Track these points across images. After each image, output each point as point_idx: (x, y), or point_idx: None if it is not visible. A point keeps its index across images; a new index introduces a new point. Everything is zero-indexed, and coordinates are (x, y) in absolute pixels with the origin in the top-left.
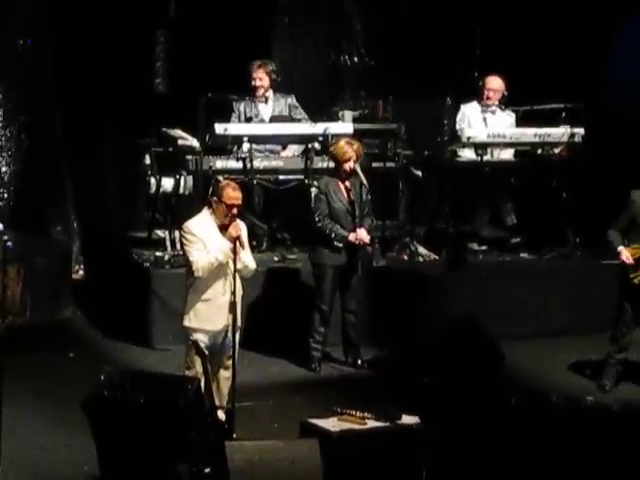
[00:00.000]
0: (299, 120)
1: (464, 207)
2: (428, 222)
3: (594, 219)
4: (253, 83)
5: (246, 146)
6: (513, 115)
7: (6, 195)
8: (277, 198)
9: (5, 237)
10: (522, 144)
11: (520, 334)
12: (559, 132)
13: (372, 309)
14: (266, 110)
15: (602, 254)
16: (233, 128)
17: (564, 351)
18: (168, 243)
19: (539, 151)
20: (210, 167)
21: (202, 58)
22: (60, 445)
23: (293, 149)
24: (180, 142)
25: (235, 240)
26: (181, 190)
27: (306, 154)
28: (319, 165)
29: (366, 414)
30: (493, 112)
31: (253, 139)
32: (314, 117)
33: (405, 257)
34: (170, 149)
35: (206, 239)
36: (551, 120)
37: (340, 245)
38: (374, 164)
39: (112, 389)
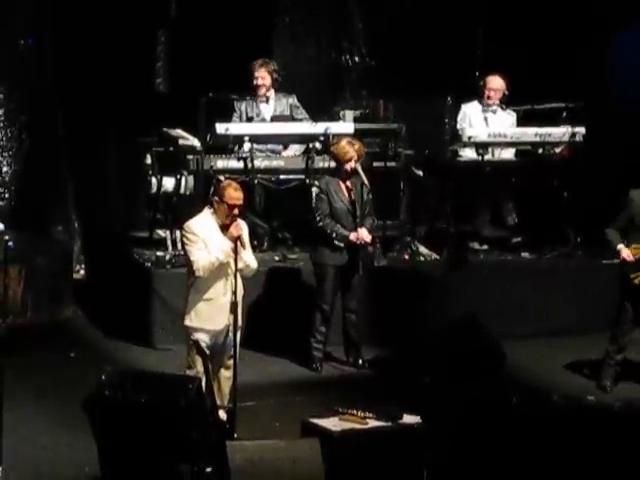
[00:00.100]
0: (300, 120)
1: (465, 207)
2: (429, 222)
3: (595, 219)
4: (255, 82)
5: (247, 146)
6: (514, 115)
7: (7, 195)
8: (278, 198)
9: (6, 237)
10: (523, 143)
11: (521, 333)
12: (560, 132)
13: (373, 309)
14: (267, 110)
15: (603, 254)
16: (234, 128)
17: (565, 350)
18: (169, 243)
19: (540, 151)
20: (211, 167)
21: (203, 58)
22: (61, 445)
23: (294, 149)
24: (181, 142)
25: (236, 240)
26: (182, 190)
27: (307, 154)
28: (320, 165)
29: (367, 414)
30: (494, 112)
31: (254, 139)
32: (315, 117)
33: (406, 257)
34: (171, 149)
35: (207, 239)
36: (552, 120)
37: (341, 245)
38: (375, 164)
39: (113, 389)
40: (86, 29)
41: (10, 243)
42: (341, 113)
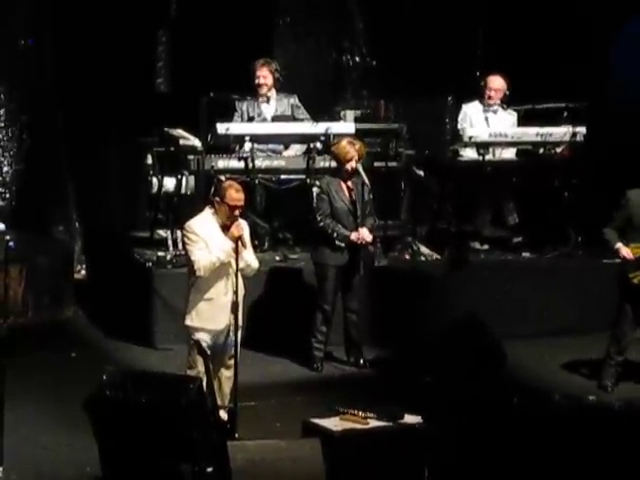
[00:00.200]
0: (301, 120)
1: (466, 206)
2: (430, 222)
3: (596, 218)
4: (256, 81)
5: (248, 146)
6: (515, 114)
7: (8, 195)
8: (279, 198)
9: (7, 237)
10: (524, 143)
11: (522, 333)
12: (561, 131)
13: (374, 309)
14: (269, 110)
15: (604, 253)
16: (235, 128)
17: (566, 350)
18: (170, 243)
19: (541, 150)
20: (212, 167)
21: (204, 58)
22: (62, 445)
23: (295, 149)
24: (182, 142)
25: (237, 240)
26: (183, 190)
27: (308, 154)
28: (321, 165)
29: (368, 414)
30: (495, 111)
31: (255, 139)
32: (316, 117)
33: (407, 257)
34: (172, 149)
35: (208, 238)
36: (553, 119)
37: (342, 245)
38: (376, 164)
39: (114, 389)
40: (86, 29)
41: (11, 243)
42: (342, 113)
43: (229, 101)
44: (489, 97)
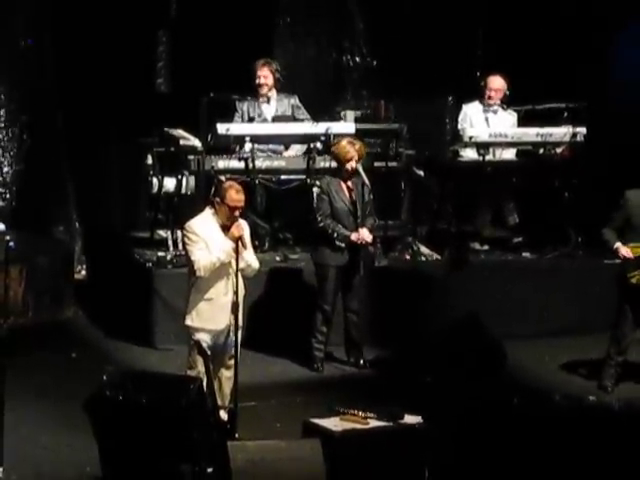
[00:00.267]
0: (302, 120)
1: (466, 207)
2: (430, 222)
3: (596, 219)
4: (257, 81)
5: (248, 146)
6: (515, 115)
7: (8, 195)
8: (279, 198)
9: (7, 237)
10: (524, 144)
11: (522, 333)
12: (561, 132)
13: (374, 309)
14: (269, 110)
15: (604, 253)
16: (235, 128)
17: (566, 350)
18: (170, 243)
19: (541, 151)
20: (212, 167)
21: (204, 58)
22: (62, 445)
23: (295, 149)
24: (182, 142)
25: (237, 240)
26: (183, 190)
27: (308, 154)
28: (321, 165)
29: (368, 414)
30: (495, 112)
31: (255, 139)
32: (316, 117)
33: (407, 257)
34: (172, 149)
35: (208, 239)
36: (553, 120)
37: (342, 245)
38: (376, 164)
39: (114, 389)
40: (87, 29)
41: (11, 243)
42: (342, 113)
43: (229, 101)
44: (489, 97)
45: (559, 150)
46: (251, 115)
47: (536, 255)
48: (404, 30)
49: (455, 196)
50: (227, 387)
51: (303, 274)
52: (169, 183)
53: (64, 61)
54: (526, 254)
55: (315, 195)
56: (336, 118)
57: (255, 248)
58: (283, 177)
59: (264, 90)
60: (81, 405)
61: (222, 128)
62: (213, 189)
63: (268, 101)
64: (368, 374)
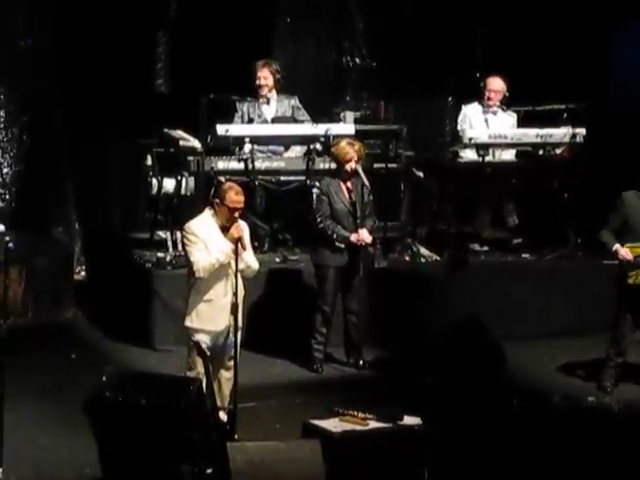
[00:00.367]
0: (302, 121)
1: (466, 208)
2: (430, 223)
3: (595, 220)
4: (257, 82)
5: (248, 147)
6: (514, 116)
7: (8, 196)
8: (279, 199)
9: (7, 238)
10: (523, 145)
11: (522, 335)
12: (561, 133)
13: (374, 310)
14: (269, 111)
15: (603, 254)
16: (234, 129)
17: (566, 351)
18: (170, 244)
19: (541, 152)
20: (212, 168)
21: (203, 59)
22: (62, 446)
23: (295, 150)
24: (182, 143)
25: (237, 241)
26: (183, 191)
27: (308, 155)
28: (321, 166)
29: (368, 415)
30: (494, 113)
31: (255, 140)
32: (316, 118)
33: (407, 258)
34: (172, 150)
35: (207, 240)
36: (552, 121)
37: (342, 246)
38: (376, 165)
39: (113, 390)
40: (86, 30)
41: (11, 244)
42: (342, 114)
43: (229, 102)
44: (489, 98)
45: (559, 151)
46: (251, 116)
47: (535, 256)
48: (404, 31)
49: (455, 197)
50: (227, 388)
51: (303, 275)
52: (169, 184)
53: (64, 62)
54: (526, 255)
55: (315, 196)
56: (336, 119)
57: (255, 249)
58: (283, 178)
59: (264, 91)
60: (80, 406)
61: (222, 129)
62: (213, 190)
63: (268, 102)
64: (368, 375)
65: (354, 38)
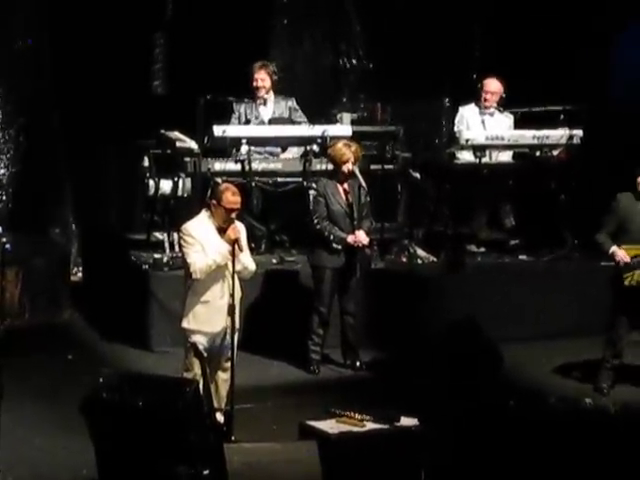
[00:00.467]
0: (299, 123)
1: (462, 209)
2: (427, 224)
3: (592, 221)
4: (255, 84)
5: (244, 148)
6: (511, 117)
7: (5, 197)
8: (276, 200)
9: (4, 239)
10: (520, 146)
11: (519, 336)
12: (558, 134)
13: (371, 311)
14: (266, 112)
15: (600, 256)
16: (231, 130)
17: (562, 353)
18: (167, 245)
19: (537, 153)
20: (209, 169)
21: (200, 60)
22: (58, 447)
23: (293, 151)
24: (178, 144)
25: (234, 242)
26: (179, 192)
27: (305, 156)
28: (318, 167)
29: (365, 416)
30: (491, 114)
31: (251, 141)
32: (313, 119)
33: (404, 259)
34: (168, 151)
35: (204, 241)
36: (550, 122)
37: (339, 247)
38: (372, 166)
39: (110, 391)
40: (84, 31)
41: (7, 245)
42: (338, 116)
43: (226, 103)
44: (485, 100)
45: (556, 152)
46: (248, 117)
47: (532, 257)
48: (401, 33)
49: (451, 198)
50: (223, 389)
51: (299, 276)
52: (165, 185)
53: (61, 63)
54: (522, 256)
55: (311, 197)
56: (333, 121)
57: (251, 250)
58: (279, 179)
59: (261, 93)
60: (77, 407)
61: (218, 130)
62: (209, 191)
63: (265, 103)
64: (364, 376)
65: (351, 40)
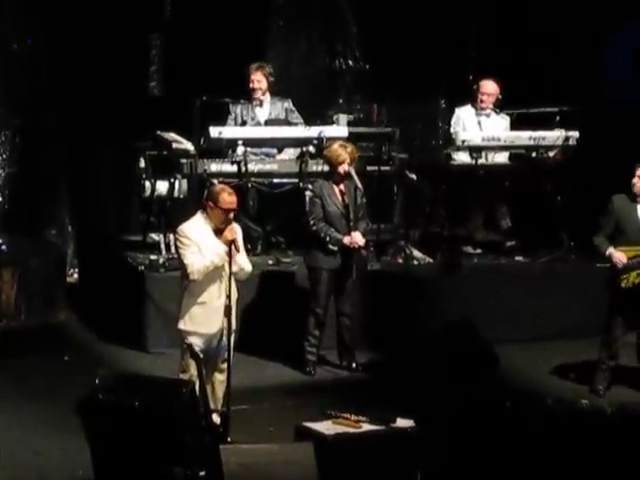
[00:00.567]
0: (295, 124)
1: (459, 210)
2: (423, 225)
3: (588, 222)
4: (251, 85)
5: (241, 149)
6: (507, 118)
7: (1, 198)
8: (272, 201)
9: (0, 240)
10: (517, 147)
11: (515, 337)
12: (554, 135)
13: (367, 312)
14: (262, 113)
15: (597, 257)
16: (227, 131)
17: (559, 354)
18: (163, 246)
19: (534, 154)
20: (205, 170)
21: (197, 61)
22: (55, 448)
23: (289, 153)
24: (175, 145)
25: (230, 243)
26: (176, 193)
27: (301, 157)
28: (314, 169)
29: (361, 417)
30: (487, 115)
31: (248, 142)
32: (309, 120)
33: (400, 260)
34: (165, 152)
35: (201, 242)
36: (546, 123)
37: (335, 248)
38: (369, 167)
39: (106, 392)
40: (80, 32)
41: (3, 246)
42: (335, 117)
43: (222, 104)
44: (481, 101)
45: (552, 154)
46: (244, 118)
47: (529, 259)
48: (397, 34)
49: (448, 200)
50: (220, 390)
51: (296, 277)
52: (162, 186)
53: (57, 64)
54: (519, 258)
55: (308, 198)
56: (329, 122)
57: (247, 251)
58: (276, 180)
59: (258, 94)
60: (73, 408)
61: (215, 131)
62: (205, 193)
63: (261, 104)
64: (360, 378)
65: (347, 41)
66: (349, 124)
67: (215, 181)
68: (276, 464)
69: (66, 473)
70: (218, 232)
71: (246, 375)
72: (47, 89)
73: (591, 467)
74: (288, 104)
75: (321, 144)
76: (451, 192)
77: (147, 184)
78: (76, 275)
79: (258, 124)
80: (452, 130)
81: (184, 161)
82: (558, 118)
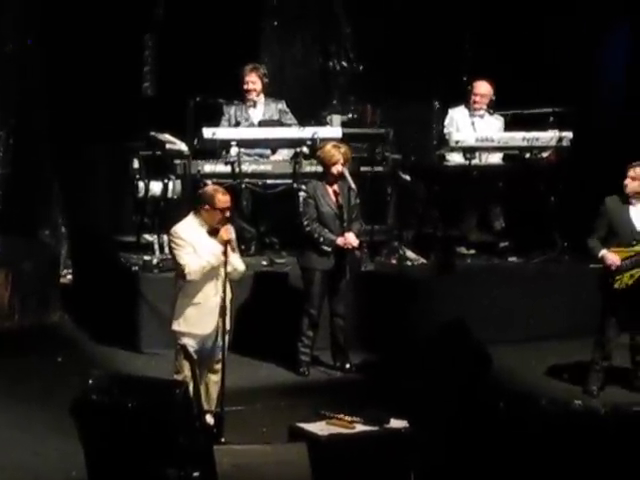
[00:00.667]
0: (289, 125)
1: (452, 211)
2: (416, 226)
3: (582, 223)
4: (245, 87)
5: (234, 150)
6: (501, 119)
7: None
8: (265, 202)
9: None
10: (510, 148)
11: (509, 338)
12: (547, 136)
13: (360, 313)
14: (256, 114)
15: (590, 258)
16: (221, 132)
17: (553, 355)
18: (156, 247)
19: (527, 155)
20: (198, 171)
21: (190, 62)
22: (49, 449)
23: (283, 153)
24: (168, 146)
25: (226, 243)
26: (169, 194)
27: (295, 158)
28: (307, 169)
29: (354, 418)
30: (481, 116)
31: (241, 143)
32: (303, 121)
33: (393, 261)
34: (158, 153)
35: (196, 243)
36: (539, 124)
37: (328, 249)
38: (362, 168)
39: (100, 393)
40: (73, 33)
41: None
42: (328, 118)
43: (216, 105)
44: (475, 102)
45: (545, 154)
46: (238, 119)
47: (522, 259)
48: (391, 35)
49: (441, 200)
50: (214, 391)
51: (289, 278)
52: (155, 187)
53: (51, 65)
54: (512, 258)
55: (301, 199)
56: (322, 122)
57: (241, 252)
58: (269, 181)
59: (252, 95)
60: (67, 409)
61: (208, 132)
62: (198, 195)
63: (255, 105)
64: (354, 378)
65: (341, 42)
66: (343, 125)
67: (208, 182)
68: (270, 465)
69: (60, 474)
70: (213, 232)
71: (240, 376)
72: (40, 89)
73: (585, 467)
74: (282, 105)
75: (315, 145)
76: (445, 193)
77: (141, 185)
78: (70, 276)
79: (252, 125)
80: (446, 131)
81: (178, 162)
82: (552, 119)
